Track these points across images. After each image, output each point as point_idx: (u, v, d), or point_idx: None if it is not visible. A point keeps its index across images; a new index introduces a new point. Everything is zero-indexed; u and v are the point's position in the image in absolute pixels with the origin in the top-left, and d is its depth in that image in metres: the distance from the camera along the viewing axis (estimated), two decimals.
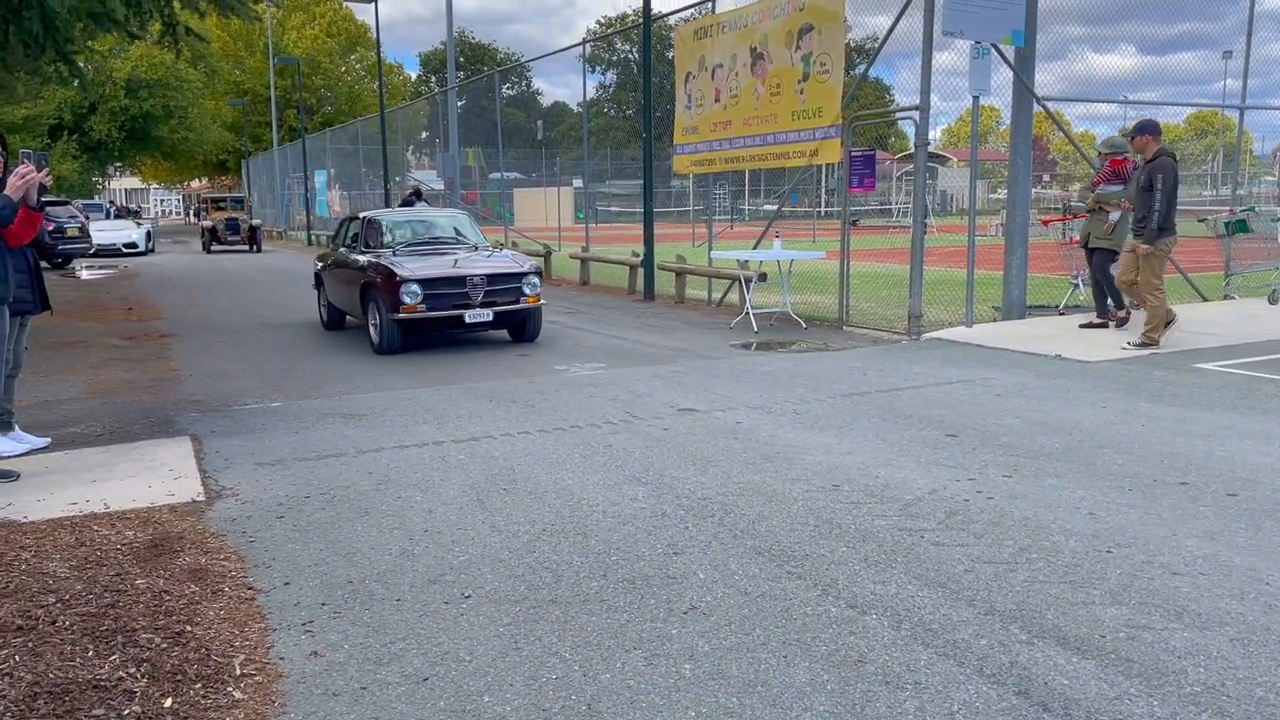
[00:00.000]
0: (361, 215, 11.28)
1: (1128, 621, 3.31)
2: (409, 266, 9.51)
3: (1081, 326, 9.72)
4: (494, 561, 3.98)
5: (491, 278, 9.64)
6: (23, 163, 4.88)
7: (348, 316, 11.29)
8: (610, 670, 3.06)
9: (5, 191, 4.83)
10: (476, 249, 10.59)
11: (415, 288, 9.25)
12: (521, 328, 10.25)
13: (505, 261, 10.10)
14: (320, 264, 12.03)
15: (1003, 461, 5.28)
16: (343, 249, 11.28)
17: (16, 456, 5.69)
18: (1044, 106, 10.44)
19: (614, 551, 4.07)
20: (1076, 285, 11.01)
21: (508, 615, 3.47)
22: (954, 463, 5.27)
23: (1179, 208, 8.81)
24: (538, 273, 10.06)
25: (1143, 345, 8.64)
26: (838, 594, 3.59)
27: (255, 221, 32.62)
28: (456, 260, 9.92)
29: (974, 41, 9.43)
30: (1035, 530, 4.20)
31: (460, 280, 9.51)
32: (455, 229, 11.13)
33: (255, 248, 31.35)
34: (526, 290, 9.83)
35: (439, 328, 9.71)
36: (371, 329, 9.80)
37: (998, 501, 4.60)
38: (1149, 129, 8.65)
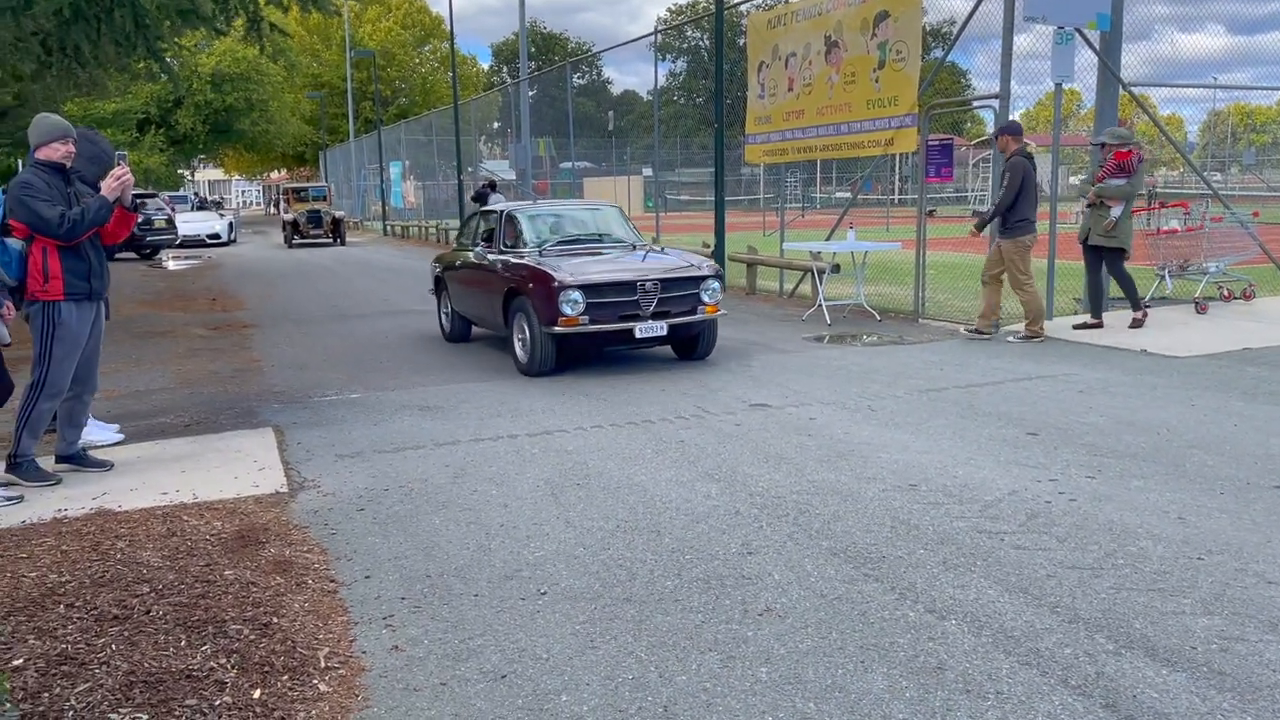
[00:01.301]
0: (498, 208, 9.60)
1: (1220, 632, 3.20)
2: (566, 269, 7.84)
3: (1075, 327, 9.36)
4: (568, 558, 4.02)
5: (666, 283, 7.95)
6: (119, 164, 5.06)
7: (474, 327, 10.02)
8: (686, 672, 3.06)
9: (102, 192, 5.02)
10: (634, 248, 8.83)
11: (576, 295, 7.61)
12: (694, 344, 8.49)
13: (678, 263, 8.33)
14: (441, 266, 10.34)
15: (1086, 461, 5.14)
16: (477, 248, 9.39)
17: (110, 445, 5.90)
18: (1130, 92, 10.11)
19: (688, 550, 4.07)
20: (1163, 277, 10.64)
21: (583, 613, 3.50)
22: (1035, 462, 5.16)
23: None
24: (718, 276, 8.36)
25: (1028, 338, 8.99)
26: (916, 598, 3.54)
27: (338, 213, 31.36)
28: (618, 261, 8.34)
29: (1057, 27, 9.17)
30: (1121, 535, 4.09)
31: (629, 286, 7.84)
32: (608, 224, 9.43)
33: (339, 240, 30.32)
34: (705, 298, 8.11)
35: (602, 343, 8.12)
36: (517, 345, 8.24)
37: (1081, 504, 4.48)
38: (1009, 130, 9.07)
